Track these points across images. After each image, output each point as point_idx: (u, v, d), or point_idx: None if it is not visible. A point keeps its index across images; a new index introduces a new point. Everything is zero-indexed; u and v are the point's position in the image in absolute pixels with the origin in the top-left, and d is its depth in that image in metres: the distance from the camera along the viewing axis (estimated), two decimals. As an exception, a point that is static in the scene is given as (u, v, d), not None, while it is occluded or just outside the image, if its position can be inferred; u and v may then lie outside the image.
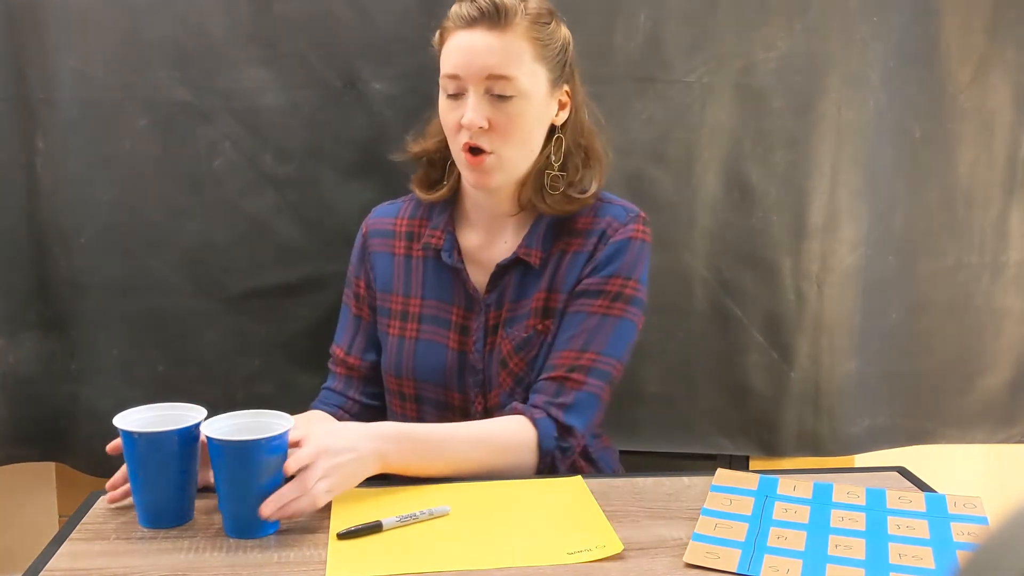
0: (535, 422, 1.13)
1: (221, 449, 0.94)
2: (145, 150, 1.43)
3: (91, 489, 1.08)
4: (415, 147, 1.25)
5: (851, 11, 1.48)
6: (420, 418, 1.22)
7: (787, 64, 1.49)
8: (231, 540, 0.95)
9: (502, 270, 1.20)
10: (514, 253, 1.19)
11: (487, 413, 1.21)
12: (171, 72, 1.41)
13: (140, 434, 0.95)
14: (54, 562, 0.91)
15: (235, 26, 1.42)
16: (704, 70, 1.49)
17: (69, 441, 1.51)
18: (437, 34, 1.17)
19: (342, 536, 0.94)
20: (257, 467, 0.93)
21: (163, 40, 1.41)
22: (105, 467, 1.48)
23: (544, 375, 1.16)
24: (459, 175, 1.21)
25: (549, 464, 1.14)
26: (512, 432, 1.12)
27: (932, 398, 1.65)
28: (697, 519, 0.99)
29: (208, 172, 1.44)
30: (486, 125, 1.11)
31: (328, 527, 0.97)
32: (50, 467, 1.63)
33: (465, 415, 1.21)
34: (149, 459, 0.96)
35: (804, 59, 1.49)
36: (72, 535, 0.96)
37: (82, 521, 0.99)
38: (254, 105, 1.44)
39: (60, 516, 1.65)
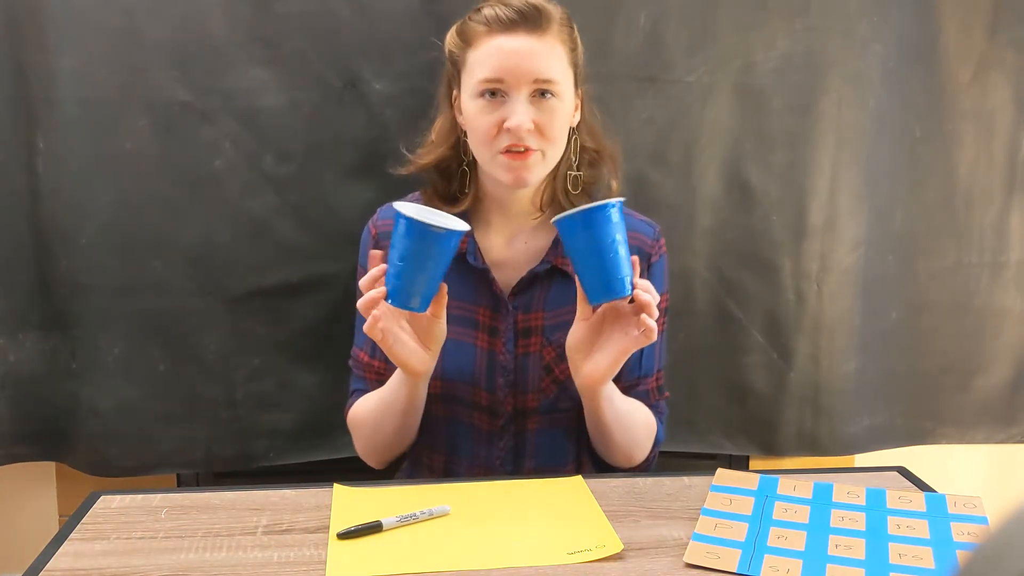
0: (657, 420, 1.24)
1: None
2: (145, 150, 1.43)
3: (91, 489, 1.08)
4: (428, 157, 1.22)
5: (851, 11, 1.48)
6: (447, 417, 1.22)
7: (787, 64, 1.49)
8: (231, 540, 0.95)
9: (534, 276, 1.20)
10: (547, 261, 1.20)
11: (518, 415, 1.21)
12: (171, 72, 1.41)
13: (429, 225, 1.01)
14: (54, 562, 0.91)
15: (235, 26, 1.41)
16: (704, 70, 1.49)
17: (70, 440, 1.51)
18: (455, 36, 1.15)
19: (342, 536, 0.94)
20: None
21: (163, 40, 1.40)
22: (105, 466, 1.50)
23: (630, 392, 1.22)
24: (478, 182, 1.21)
25: (645, 465, 1.23)
26: (652, 416, 1.23)
27: (932, 398, 1.65)
28: (697, 519, 0.99)
29: (208, 172, 1.44)
30: (532, 127, 1.11)
31: (328, 527, 0.97)
32: (50, 467, 1.63)
33: (493, 416, 1.21)
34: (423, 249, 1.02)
35: (804, 59, 1.49)
36: (72, 535, 0.96)
37: (82, 521, 1.00)
38: (254, 105, 1.43)
39: (60, 516, 1.65)
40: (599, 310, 1.08)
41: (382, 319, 1.05)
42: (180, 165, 1.44)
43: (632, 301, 1.05)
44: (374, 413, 1.20)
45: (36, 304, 1.47)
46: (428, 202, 1.23)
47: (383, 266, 1.04)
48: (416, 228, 1.01)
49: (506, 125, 1.11)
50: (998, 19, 1.53)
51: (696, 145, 1.51)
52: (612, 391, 1.13)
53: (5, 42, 1.40)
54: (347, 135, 1.46)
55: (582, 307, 1.08)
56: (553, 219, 1.05)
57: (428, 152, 1.22)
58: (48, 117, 1.41)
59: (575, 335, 1.10)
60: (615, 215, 1.03)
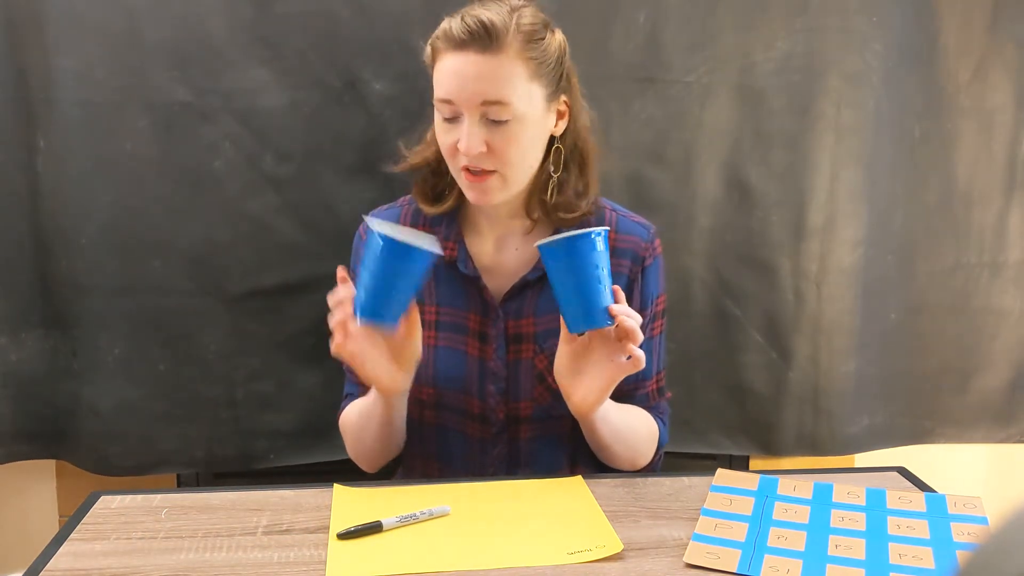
0: (658, 422, 1.23)
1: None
2: (145, 150, 1.43)
3: (91, 489, 1.08)
4: (415, 157, 1.22)
5: (850, 10, 1.48)
6: (439, 424, 1.21)
7: (787, 64, 1.49)
8: (231, 540, 0.95)
9: (525, 283, 1.19)
10: (538, 268, 1.18)
11: (511, 423, 1.20)
12: (171, 72, 1.41)
13: (402, 243, 1.00)
14: (54, 562, 0.91)
15: (235, 26, 1.42)
16: (704, 70, 1.49)
17: (70, 439, 1.51)
18: (428, 49, 1.14)
19: (342, 536, 0.94)
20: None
21: (163, 40, 1.40)
22: (106, 466, 1.50)
23: (630, 396, 1.21)
24: None
25: (650, 468, 1.22)
26: (652, 422, 1.22)
27: (931, 398, 1.65)
28: (697, 519, 0.99)
29: (208, 172, 1.44)
30: (484, 150, 1.08)
31: (328, 527, 0.97)
32: (51, 466, 1.63)
33: (485, 423, 1.20)
34: (398, 267, 1.01)
35: (803, 59, 1.49)
36: (72, 535, 0.96)
37: (82, 521, 1.00)
38: (254, 105, 1.43)
39: (60, 516, 1.65)
40: (584, 335, 1.07)
41: (350, 341, 1.04)
42: (180, 165, 1.44)
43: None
44: (356, 424, 1.21)
45: (36, 304, 1.47)
46: (415, 196, 1.23)
47: (350, 287, 1.03)
48: (389, 246, 1.00)
49: (458, 147, 1.09)
50: (998, 16, 1.53)
51: (695, 145, 1.51)
52: (607, 410, 1.12)
53: (5, 43, 1.40)
54: (347, 135, 1.46)
55: (565, 331, 1.07)
56: (536, 244, 1.04)
57: (418, 153, 1.22)
58: (48, 117, 1.41)
59: (561, 360, 1.09)
60: (599, 244, 1.01)
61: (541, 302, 1.19)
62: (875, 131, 1.52)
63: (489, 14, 1.07)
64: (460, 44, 1.07)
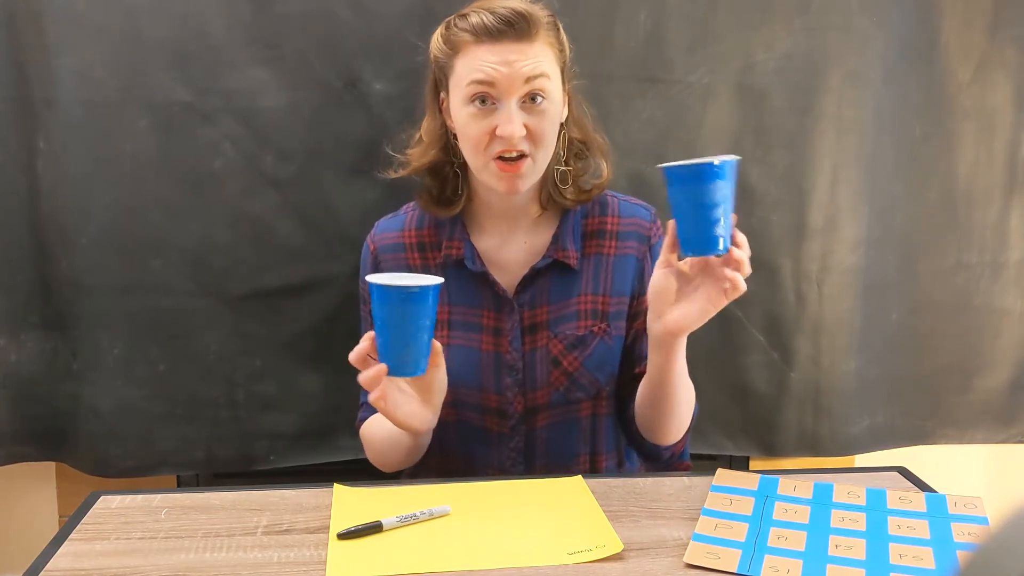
0: None
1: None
2: (146, 150, 1.43)
3: (91, 489, 1.08)
4: (421, 160, 1.21)
5: (851, 10, 1.48)
6: (458, 421, 1.22)
7: (787, 63, 1.49)
8: (231, 540, 0.95)
9: (536, 272, 1.20)
10: (548, 255, 1.20)
11: (528, 414, 1.21)
12: (171, 72, 1.41)
13: (402, 288, 0.99)
14: (54, 562, 0.91)
15: (235, 26, 1.41)
16: (704, 70, 1.49)
17: (70, 440, 1.51)
18: (440, 43, 1.15)
19: (342, 536, 0.94)
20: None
21: (163, 40, 1.40)
22: (105, 466, 1.50)
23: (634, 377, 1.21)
24: (470, 184, 1.21)
25: (683, 442, 1.24)
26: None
27: (932, 398, 1.65)
28: (697, 519, 0.99)
29: (209, 172, 1.44)
30: (524, 133, 1.11)
31: (328, 527, 0.97)
32: (50, 467, 1.63)
33: (502, 416, 1.21)
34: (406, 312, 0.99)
35: (804, 58, 1.49)
36: (72, 535, 0.96)
37: (82, 521, 1.00)
38: (254, 105, 1.43)
39: (60, 516, 1.65)
40: (688, 260, 1.05)
41: (386, 395, 1.03)
42: (180, 165, 1.44)
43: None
44: (381, 445, 1.20)
45: (36, 304, 1.47)
46: (424, 207, 1.23)
47: (371, 339, 1.01)
48: (393, 296, 0.99)
49: (498, 133, 1.10)
50: (999, 17, 1.53)
51: (697, 145, 1.51)
52: (684, 344, 1.11)
53: (5, 42, 1.40)
54: (347, 135, 1.46)
55: (666, 255, 1.05)
56: (659, 166, 1.02)
57: (421, 155, 1.22)
58: (48, 117, 1.41)
59: (659, 283, 1.06)
60: (726, 173, 1.01)
61: (553, 289, 1.21)
62: (876, 131, 1.52)
63: (517, 5, 1.11)
64: (497, 34, 1.10)
